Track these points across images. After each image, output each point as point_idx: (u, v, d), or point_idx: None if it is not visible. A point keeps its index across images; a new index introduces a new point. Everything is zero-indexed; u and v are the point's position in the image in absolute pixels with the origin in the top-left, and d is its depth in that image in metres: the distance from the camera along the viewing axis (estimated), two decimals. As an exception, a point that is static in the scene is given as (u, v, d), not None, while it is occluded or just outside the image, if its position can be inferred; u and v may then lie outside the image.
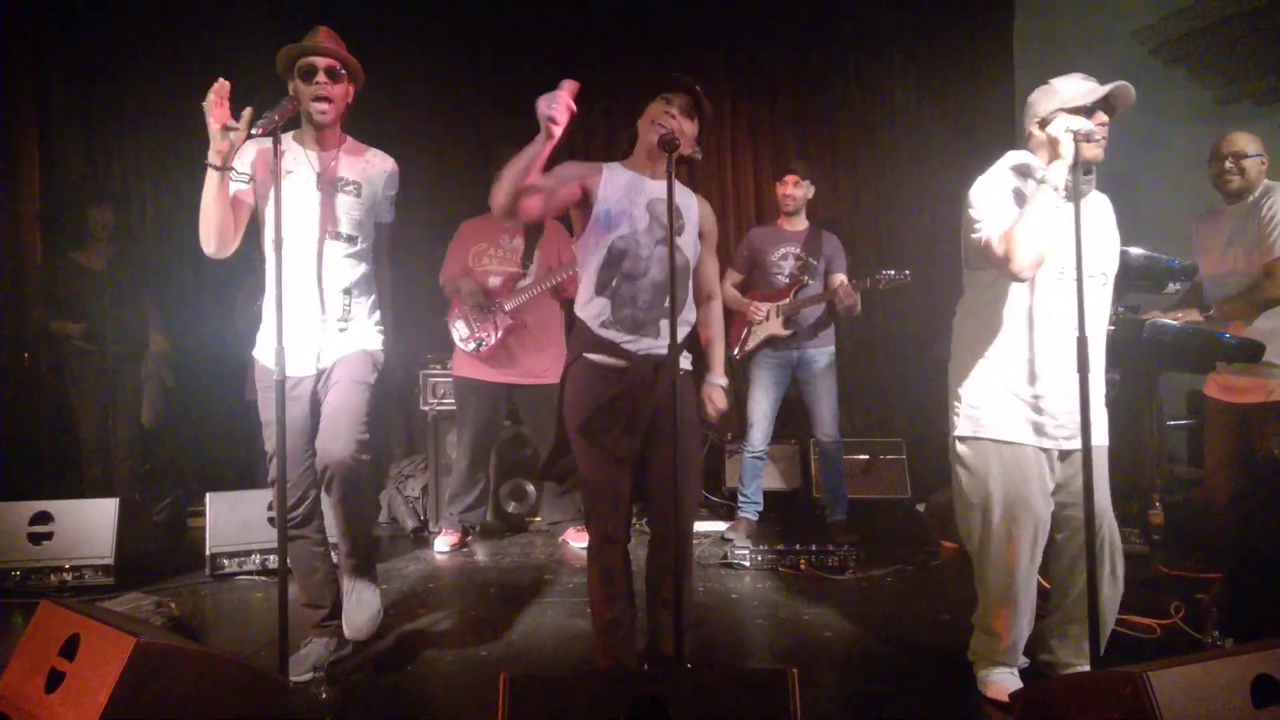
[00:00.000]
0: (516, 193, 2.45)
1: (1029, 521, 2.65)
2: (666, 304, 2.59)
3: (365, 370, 2.98)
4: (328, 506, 2.99)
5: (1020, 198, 2.64)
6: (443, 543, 4.71)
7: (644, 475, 2.72)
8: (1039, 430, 2.66)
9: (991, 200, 2.64)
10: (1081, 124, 2.48)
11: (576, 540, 4.81)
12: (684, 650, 2.72)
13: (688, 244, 2.76)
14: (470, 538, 4.83)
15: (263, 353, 2.93)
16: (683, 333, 2.69)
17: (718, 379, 2.92)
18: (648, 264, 2.64)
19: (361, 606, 3.00)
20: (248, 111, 2.56)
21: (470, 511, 4.75)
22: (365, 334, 3.03)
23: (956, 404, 2.79)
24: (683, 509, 2.64)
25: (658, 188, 2.67)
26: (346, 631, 2.98)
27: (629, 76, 5.98)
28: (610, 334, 2.65)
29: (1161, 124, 5.32)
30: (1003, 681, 2.71)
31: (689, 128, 2.68)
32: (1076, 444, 2.59)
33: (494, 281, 4.58)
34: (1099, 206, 2.76)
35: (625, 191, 2.69)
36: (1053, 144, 2.52)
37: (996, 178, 2.70)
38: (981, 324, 2.74)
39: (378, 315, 3.10)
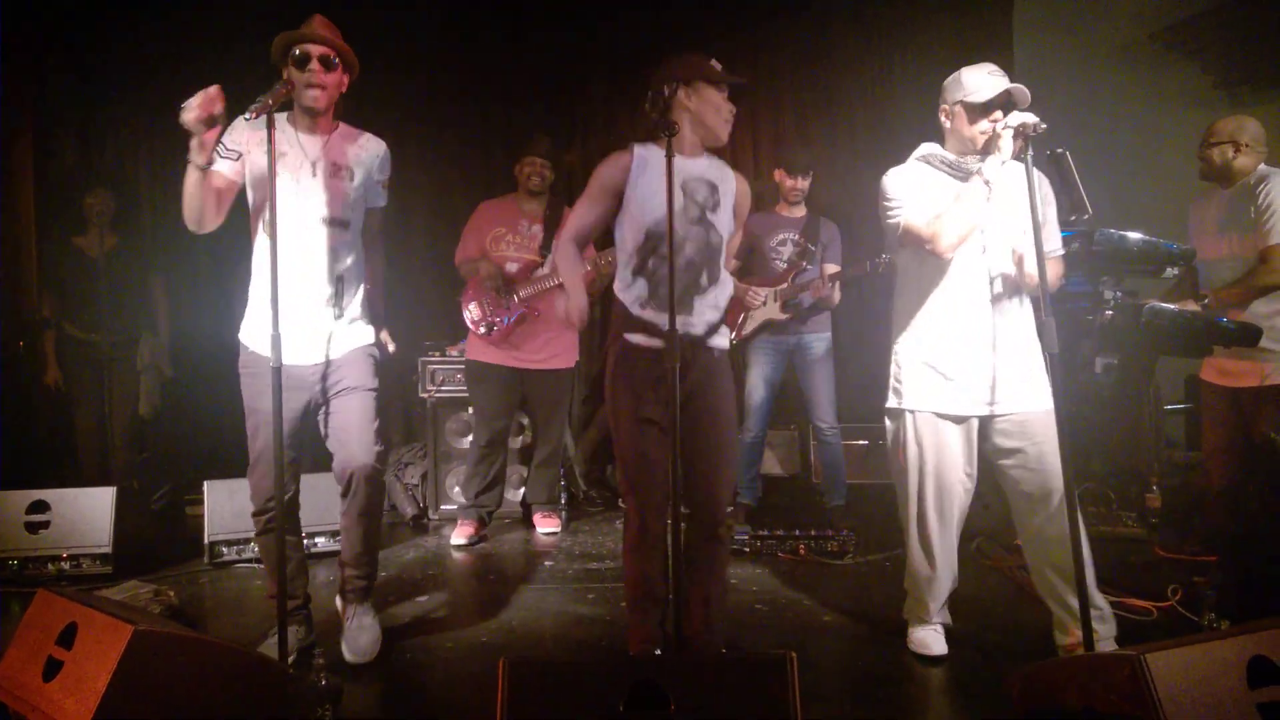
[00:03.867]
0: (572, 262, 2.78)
1: (939, 489, 2.86)
2: (702, 281, 2.70)
3: (370, 374, 3.00)
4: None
5: (925, 183, 2.82)
6: (459, 535, 4.56)
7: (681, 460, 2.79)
8: (954, 400, 2.81)
9: (903, 188, 2.84)
10: (1020, 119, 2.55)
11: (543, 525, 4.81)
12: (708, 636, 2.77)
13: (722, 221, 2.77)
14: (486, 528, 4.71)
15: (252, 338, 2.90)
16: (714, 315, 2.76)
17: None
18: (683, 243, 2.66)
19: (364, 630, 3.00)
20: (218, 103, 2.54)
21: (486, 494, 4.63)
22: (362, 328, 3.04)
23: (889, 379, 2.97)
24: (709, 490, 2.72)
25: (694, 166, 2.71)
26: (348, 654, 2.96)
27: (626, 59, 5.94)
28: (649, 314, 2.69)
29: (1160, 108, 5.31)
30: (923, 638, 2.97)
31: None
32: (1002, 409, 2.78)
33: (511, 268, 4.55)
34: (1016, 176, 2.75)
35: (660, 173, 2.66)
36: (994, 138, 2.63)
37: (906, 167, 2.92)
38: (905, 301, 2.93)
39: (366, 306, 3.08)
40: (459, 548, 4.51)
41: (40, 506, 3.94)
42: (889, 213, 2.85)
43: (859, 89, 6.14)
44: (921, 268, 2.86)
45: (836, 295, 4.56)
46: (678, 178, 2.63)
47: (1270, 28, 5.26)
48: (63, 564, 3.89)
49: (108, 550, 3.92)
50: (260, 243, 2.79)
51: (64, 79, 5.47)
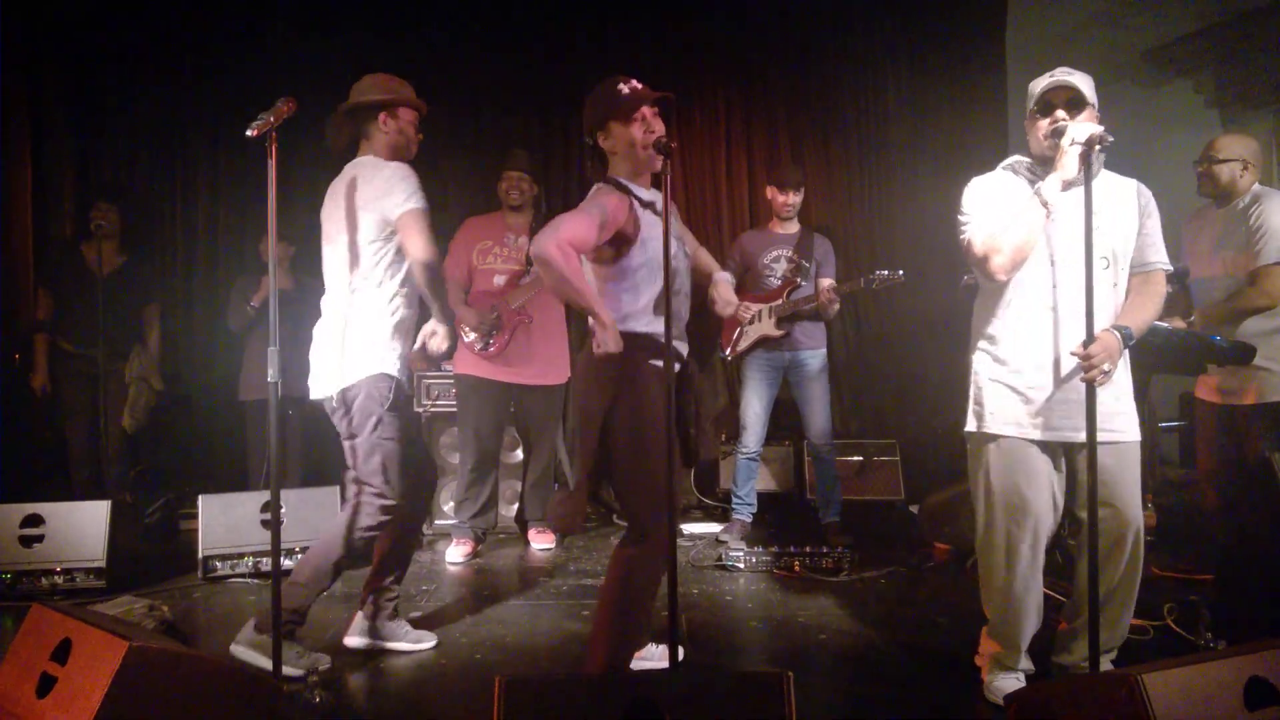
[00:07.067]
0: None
1: (1027, 520, 2.60)
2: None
3: None
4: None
5: (1008, 194, 2.63)
6: (455, 553, 4.52)
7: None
8: (1038, 423, 2.59)
9: (978, 201, 2.66)
10: (1087, 131, 2.39)
11: (538, 541, 4.80)
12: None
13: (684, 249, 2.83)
14: (483, 545, 4.68)
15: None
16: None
17: (722, 274, 3.00)
18: (684, 278, 2.73)
19: (421, 636, 3.28)
20: None
21: (480, 517, 4.58)
22: None
23: (967, 400, 2.74)
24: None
25: (656, 200, 2.68)
26: (415, 645, 3.25)
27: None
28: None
29: (1152, 127, 5.35)
30: (1010, 688, 2.60)
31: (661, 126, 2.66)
32: (1077, 436, 2.55)
33: (498, 280, 4.53)
34: (1108, 186, 2.66)
35: (657, 212, 2.64)
36: (1058, 154, 2.46)
37: (988, 176, 2.73)
38: (985, 318, 2.72)
39: None
40: (456, 565, 4.49)
41: (34, 520, 3.92)
42: (960, 226, 2.68)
43: (853, 107, 6.17)
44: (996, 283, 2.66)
45: (834, 306, 4.57)
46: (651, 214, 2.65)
47: (1261, 48, 5.32)
48: (56, 578, 3.87)
49: (102, 564, 3.90)
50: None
51: (62, 84, 5.47)
